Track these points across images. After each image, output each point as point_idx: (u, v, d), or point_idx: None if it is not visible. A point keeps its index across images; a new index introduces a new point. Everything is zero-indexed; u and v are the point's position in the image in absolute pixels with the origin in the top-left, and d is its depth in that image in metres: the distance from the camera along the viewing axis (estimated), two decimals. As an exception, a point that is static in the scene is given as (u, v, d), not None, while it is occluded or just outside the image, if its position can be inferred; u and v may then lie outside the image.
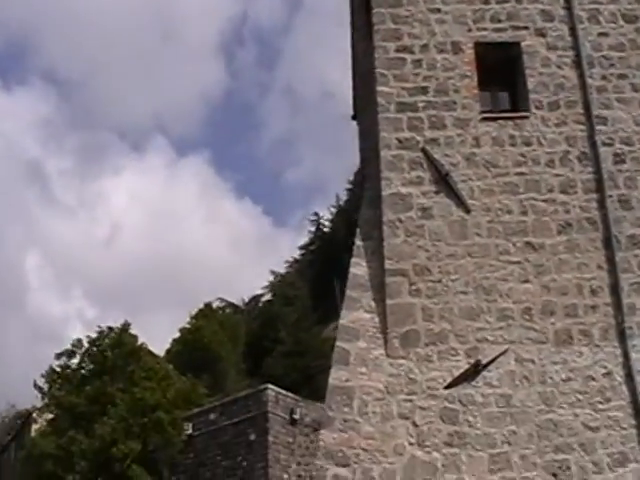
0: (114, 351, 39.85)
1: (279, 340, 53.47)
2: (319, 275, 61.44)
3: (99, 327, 40.65)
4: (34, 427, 49.52)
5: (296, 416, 37.83)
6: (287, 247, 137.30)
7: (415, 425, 14.49)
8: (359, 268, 15.91)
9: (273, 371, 48.53)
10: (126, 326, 40.17)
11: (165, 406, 36.71)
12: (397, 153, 16.39)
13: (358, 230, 16.36)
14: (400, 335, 15.16)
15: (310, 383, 45.62)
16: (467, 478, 14.18)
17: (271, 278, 70.95)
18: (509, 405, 14.78)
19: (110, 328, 40.48)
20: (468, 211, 16.07)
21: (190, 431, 38.72)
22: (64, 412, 38.99)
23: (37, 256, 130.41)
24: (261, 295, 71.13)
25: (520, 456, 14.41)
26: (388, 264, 15.62)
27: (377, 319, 15.34)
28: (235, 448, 37.74)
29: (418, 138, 16.51)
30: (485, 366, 14.95)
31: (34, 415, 50.05)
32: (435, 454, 14.30)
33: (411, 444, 14.35)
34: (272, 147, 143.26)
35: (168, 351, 54.47)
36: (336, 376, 14.79)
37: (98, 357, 40.12)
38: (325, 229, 74.00)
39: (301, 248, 75.61)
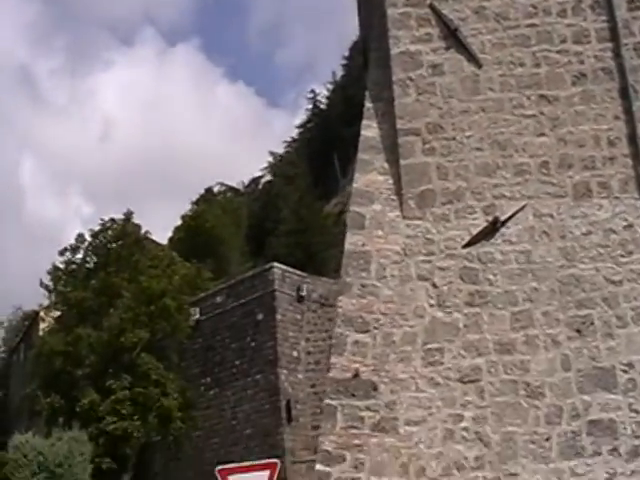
0: (118, 242, 39.34)
1: (281, 220, 53.00)
2: (318, 152, 60.67)
3: (101, 220, 40.05)
4: (42, 326, 49.47)
5: (303, 293, 37.64)
6: (282, 127, 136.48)
7: (435, 286, 14.05)
8: (370, 130, 15.26)
9: (276, 251, 48.17)
10: (129, 215, 39.51)
11: (171, 293, 36.37)
12: (404, 11, 15.50)
13: (367, 92, 15.61)
14: (415, 195, 14.60)
15: (314, 260, 45.44)
16: (489, 337, 13.80)
17: (270, 159, 70.24)
18: (529, 262, 14.29)
19: (113, 220, 39.80)
20: (480, 66, 15.30)
21: (197, 316, 38.61)
22: (71, 308, 38.65)
23: (31, 159, 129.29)
24: (261, 177, 70.45)
25: (542, 313, 13.97)
26: (400, 124, 14.96)
27: (391, 181, 14.75)
28: (243, 329, 37.69)
29: (425, -6, 15.69)
30: (503, 223, 14.44)
31: (41, 314, 49.92)
32: (456, 314, 13.89)
33: (431, 305, 13.92)
34: (262, 28, 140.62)
35: (171, 239, 54.07)
36: (352, 241, 14.29)
37: (102, 250, 39.61)
38: (322, 106, 72.77)
39: (298, 127, 74.57)
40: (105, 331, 36.00)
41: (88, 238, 39.35)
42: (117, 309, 36.33)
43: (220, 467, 11.63)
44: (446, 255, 14.28)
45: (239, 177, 71.71)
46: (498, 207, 14.55)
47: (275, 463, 11.71)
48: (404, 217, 14.49)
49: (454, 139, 14.94)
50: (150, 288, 35.89)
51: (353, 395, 13.20)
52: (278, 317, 36.66)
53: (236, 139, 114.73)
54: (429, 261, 14.23)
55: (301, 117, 75.98)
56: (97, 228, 39.50)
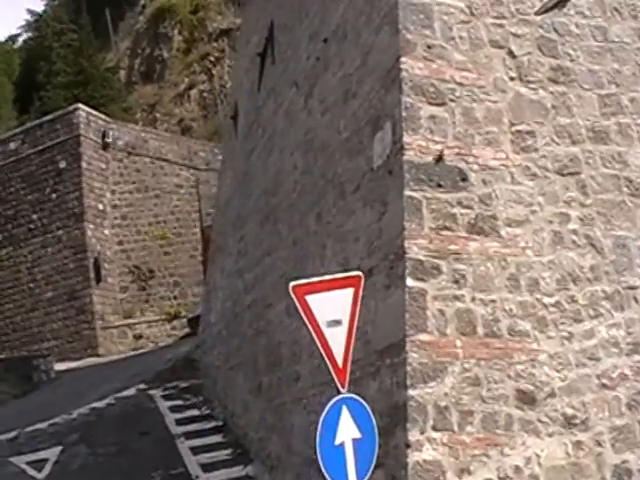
0: None
1: (54, 73, 46.31)
2: (87, 8, 53.43)
3: None
4: None
5: (109, 139, 32.31)
6: None
7: (512, 56, 10.28)
8: None
9: (52, 105, 41.76)
10: None
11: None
12: None
13: None
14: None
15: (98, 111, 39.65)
16: (581, 122, 10.34)
17: (27, 17, 61.57)
18: (607, 40, 10.96)
19: None
20: None
21: (-16, 165, 32.12)
22: None
23: None
24: (18, 35, 61.98)
25: (630, 99, 10.74)
26: None
27: None
28: (42, 179, 31.87)
29: None
30: (573, -9, 10.98)
31: None
32: (542, 92, 10.26)
33: (512, 79, 10.16)
34: None
35: None
36: None
37: None
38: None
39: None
40: None
41: None
42: None
43: (295, 283, 7.29)
44: (519, 20, 10.57)
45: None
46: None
47: (358, 276, 7.49)
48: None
49: None
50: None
51: (439, 185, 9.27)
52: (84, 165, 31.19)
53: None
54: (501, 25, 10.44)
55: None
56: None
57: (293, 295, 7.16)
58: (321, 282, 7.40)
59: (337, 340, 7.19)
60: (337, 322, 7.22)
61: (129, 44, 50.29)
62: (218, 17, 46.51)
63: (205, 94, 43.79)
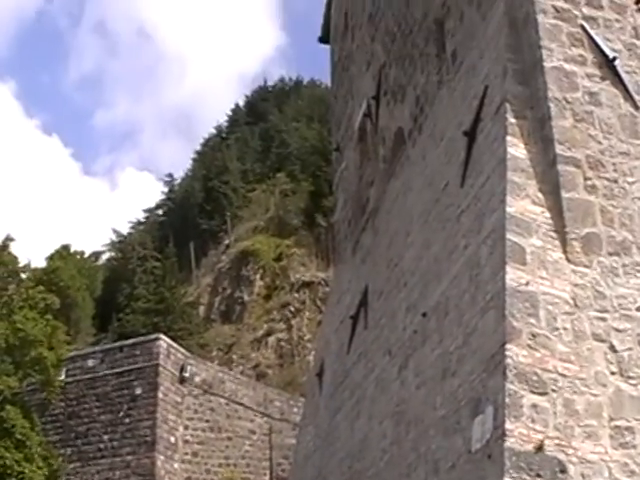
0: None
1: (135, 297, 47.96)
2: (174, 239, 55.84)
3: None
4: None
5: (186, 374, 32.93)
6: (96, 197, 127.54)
7: (614, 350, 10.66)
8: (518, 150, 11.87)
9: (132, 328, 43.20)
10: (7, 242, 33.29)
11: (46, 343, 30.40)
12: (555, 23, 12.72)
13: (507, 106, 12.35)
14: (580, 237, 11.29)
15: (176, 343, 40.65)
16: (679, 423, 10.53)
17: (112, 236, 64.82)
18: None
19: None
20: (637, 107, 12.63)
21: (62, 377, 32.72)
22: None
23: None
24: (101, 252, 64.85)
25: None
26: (559, 149, 11.75)
27: (548, 214, 11.44)
28: (117, 401, 32.41)
29: (575, 12, 12.94)
30: (676, 292, 11.42)
31: None
32: (642, 389, 10.57)
33: (613, 373, 10.45)
34: (81, 84, 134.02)
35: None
36: (514, 277, 10.68)
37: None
38: (177, 187, 68.88)
39: (146, 211, 70.26)
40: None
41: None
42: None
43: None
44: (621, 315, 10.97)
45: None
46: (664, 267, 11.57)
47: None
48: (569, 261, 11.15)
49: (616, 182, 11.98)
50: (24, 331, 29.72)
51: (539, 475, 9.40)
52: (160, 395, 31.67)
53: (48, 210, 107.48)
54: (603, 319, 10.86)
55: (152, 198, 72.30)
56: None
57: None
58: None
59: None
60: None
61: (210, 281, 51.93)
62: (301, 268, 48.01)
63: (282, 343, 44.65)
